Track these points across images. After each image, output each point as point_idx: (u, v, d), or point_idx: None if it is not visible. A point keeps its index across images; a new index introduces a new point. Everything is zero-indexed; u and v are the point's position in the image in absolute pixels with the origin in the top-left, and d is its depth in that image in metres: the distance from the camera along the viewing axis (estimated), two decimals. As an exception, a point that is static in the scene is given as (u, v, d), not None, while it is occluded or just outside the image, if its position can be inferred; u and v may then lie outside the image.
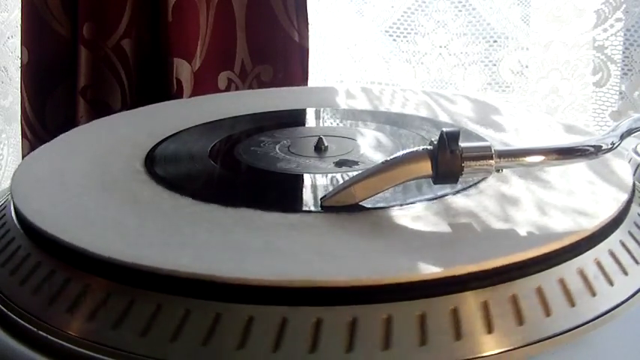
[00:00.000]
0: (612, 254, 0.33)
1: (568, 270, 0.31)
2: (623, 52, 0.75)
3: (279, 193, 0.40)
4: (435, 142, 0.35)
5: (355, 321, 0.28)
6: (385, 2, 0.80)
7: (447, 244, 0.32)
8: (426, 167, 0.35)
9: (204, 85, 0.73)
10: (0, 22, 0.83)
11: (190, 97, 0.72)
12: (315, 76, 0.81)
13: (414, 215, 0.35)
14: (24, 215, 0.36)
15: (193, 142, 0.47)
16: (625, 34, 0.75)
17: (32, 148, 0.72)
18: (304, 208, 0.37)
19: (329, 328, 0.28)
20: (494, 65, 0.79)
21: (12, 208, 0.38)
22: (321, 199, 0.36)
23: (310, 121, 0.53)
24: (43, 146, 0.47)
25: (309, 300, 0.29)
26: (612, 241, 0.34)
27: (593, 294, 0.31)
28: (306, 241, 0.33)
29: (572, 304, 0.30)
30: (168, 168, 0.42)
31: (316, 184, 0.40)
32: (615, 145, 0.38)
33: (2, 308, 0.33)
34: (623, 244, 0.34)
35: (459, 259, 0.31)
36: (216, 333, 0.28)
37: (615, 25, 0.74)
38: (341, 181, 0.38)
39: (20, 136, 0.77)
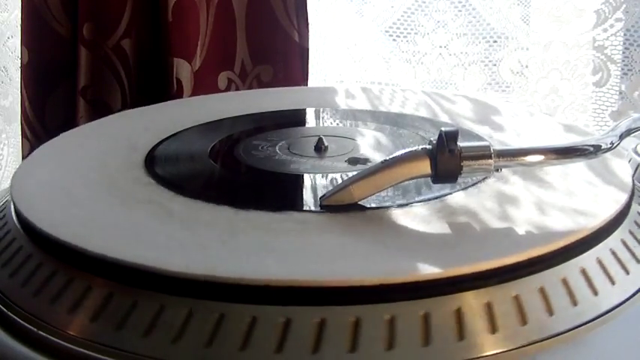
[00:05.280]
0: (612, 254, 0.33)
1: (567, 270, 0.31)
2: (623, 52, 0.75)
3: (279, 192, 0.40)
4: (434, 142, 0.35)
5: (338, 321, 0.28)
6: (385, 2, 0.80)
7: (447, 244, 0.32)
8: (425, 167, 0.35)
9: (204, 85, 0.73)
10: (0, 22, 0.83)
11: (190, 97, 0.72)
12: (315, 76, 0.81)
13: (414, 215, 0.35)
14: (24, 216, 0.36)
15: (193, 142, 0.47)
16: (625, 34, 0.75)
17: (32, 148, 0.72)
18: (304, 208, 0.37)
19: (331, 329, 0.28)
20: (495, 65, 0.79)
21: (12, 208, 0.38)
22: (320, 198, 0.36)
23: (310, 121, 0.53)
24: (43, 146, 0.47)
25: (309, 300, 0.29)
26: (612, 242, 0.34)
27: (593, 294, 0.31)
28: (306, 240, 0.33)
29: (573, 304, 0.31)
30: (168, 168, 0.42)
31: (316, 184, 0.40)
32: (614, 145, 0.38)
33: (3, 309, 0.33)
34: (623, 245, 0.34)
35: (458, 259, 0.31)
36: (219, 332, 0.28)
37: (615, 25, 0.74)
38: (340, 181, 0.38)
39: (20, 136, 0.77)
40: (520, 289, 0.30)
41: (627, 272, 0.33)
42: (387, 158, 0.36)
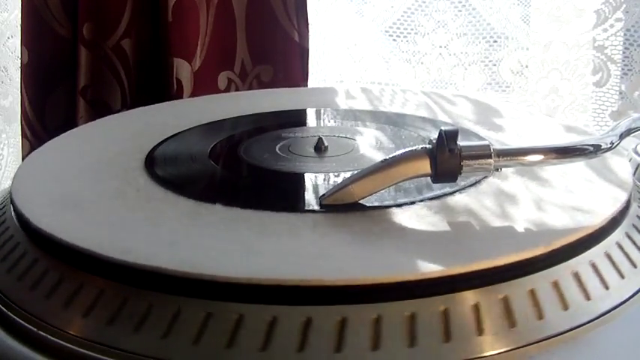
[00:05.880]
0: (612, 254, 0.33)
1: (567, 270, 0.31)
2: (623, 52, 0.75)
3: (279, 192, 0.40)
4: (434, 141, 0.35)
5: (347, 320, 0.28)
6: (385, 2, 0.80)
7: (446, 244, 0.32)
8: (424, 166, 0.35)
9: (204, 85, 0.73)
10: (0, 22, 0.84)
11: (190, 97, 0.72)
12: (315, 76, 0.81)
13: (413, 214, 0.35)
14: (24, 216, 0.36)
15: (193, 142, 0.47)
16: (625, 34, 0.75)
17: (32, 148, 0.72)
18: (304, 207, 0.37)
19: (322, 327, 0.28)
20: (495, 65, 0.79)
21: (12, 208, 0.38)
22: (320, 197, 0.36)
23: (310, 121, 0.53)
24: (43, 146, 0.47)
25: (304, 299, 0.29)
26: (612, 241, 0.34)
27: (592, 294, 0.31)
28: (306, 240, 0.33)
29: (572, 303, 0.31)
30: (168, 168, 0.42)
31: (316, 183, 0.40)
32: (614, 145, 0.38)
33: (3, 309, 0.33)
34: (623, 245, 0.34)
35: (456, 259, 0.31)
36: (209, 331, 0.28)
37: (615, 25, 0.74)
38: (340, 181, 0.38)
39: (20, 136, 0.77)
40: (515, 291, 0.30)
41: (624, 274, 0.33)
42: (387, 158, 0.36)
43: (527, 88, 0.79)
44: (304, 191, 0.40)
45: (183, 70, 0.71)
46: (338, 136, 0.47)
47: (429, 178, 0.35)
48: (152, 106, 0.57)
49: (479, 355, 0.28)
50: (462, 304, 0.29)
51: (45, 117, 0.75)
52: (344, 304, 0.29)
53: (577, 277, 0.31)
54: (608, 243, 0.34)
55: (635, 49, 0.74)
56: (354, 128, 0.49)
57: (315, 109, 0.55)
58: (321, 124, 0.52)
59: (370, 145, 0.45)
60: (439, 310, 0.29)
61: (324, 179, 0.40)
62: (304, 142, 0.46)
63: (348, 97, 0.58)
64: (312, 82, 0.79)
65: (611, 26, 0.75)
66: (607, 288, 0.32)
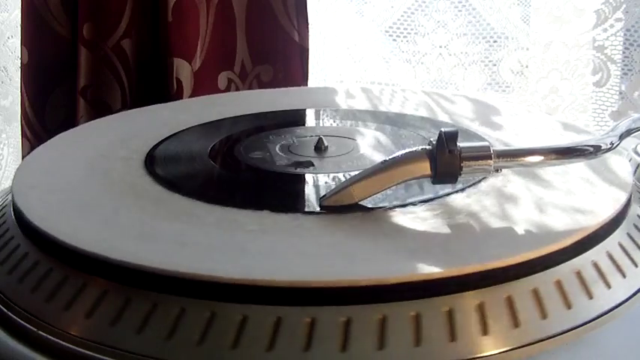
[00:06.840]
0: (612, 254, 0.33)
1: (567, 270, 0.31)
2: (623, 52, 0.75)
3: (279, 193, 0.40)
4: (434, 142, 0.35)
5: (350, 321, 0.28)
6: (385, 2, 0.80)
7: (446, 245, 0.32)
8: (424, 167, 0.35)
9: (204, 85, 0.73)
10: (0, 22, 0.84)
11: (190, 97, 0.72)
12: (315, 76, 0.81)
13: (413, 215, 0.35)
14: (24, 216, 0.36)
15: (193, 142, 0.47)
16: (625, 34, 0.75)
17: (32, 148, 0.72)
18: (303, 208, 0.37)
19: (325, 328, 0.28)
20: (495, 65, 0.79)
21: (12, 208, 0.38)
22: (320, 198, 0.36)
23: (310, 121, 0.53)
24: (42, 146, 0.47)
25: (306, 300, 0.29)
26: (612, 241, 0.34)
27: (593, 295, 0.31)
28: (305, 241, 0.33)
29: (572, 303, 0.31)
30: (168, 168, 0.42)
31: (316, 184, 0.40)
32: (614, 145, 0.38)
33: (3, 309, 0.33)
34: (623, 245, 0.34)
35: (456, 260, 0.31)
36: (212, 332, 0.28)
37: (615, 25, 0.74)
38: (340, 181, 0.38)
39: (20, 136, 0.77)
40: (515, 291, 0.30)
41: (625, 274, 0.33)
42: (387, 159, 0.36)
43: (527, 88, 0.79)
44: (304, 192, 0.40)
45: (184, 70, 0.72)
46: (338, 136, 0.47)
47: (429, 179, 0.35)
48: (151, 106, 0.57)
49: (481, 355, 0.28)
50: (463, 305, 0.29)
51: (45, 117, 0.75)
52: (345, 304, 0.29)
53: (579, 276, 0.31)
54: (609, 243, 0.34)
55: (635, 49, 0.74)
56: (354, 128, 0.49)
57: (315, 109, 0.55)
58: (321, 124, 0.52)
59: (370, 145, 0.45)
60: (441, 310, 0.29)
61: (324, 179, 0.40)
62: (304, 142, 0.46)
63: (348, 97, 0.58)
64: (312, 82, 0.79)
65: (611, 26, 0.75)
66: (610, 286, 0.32)
